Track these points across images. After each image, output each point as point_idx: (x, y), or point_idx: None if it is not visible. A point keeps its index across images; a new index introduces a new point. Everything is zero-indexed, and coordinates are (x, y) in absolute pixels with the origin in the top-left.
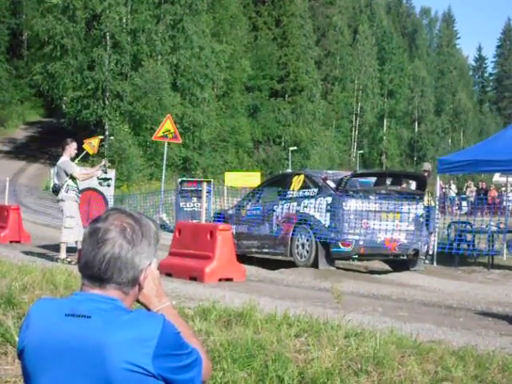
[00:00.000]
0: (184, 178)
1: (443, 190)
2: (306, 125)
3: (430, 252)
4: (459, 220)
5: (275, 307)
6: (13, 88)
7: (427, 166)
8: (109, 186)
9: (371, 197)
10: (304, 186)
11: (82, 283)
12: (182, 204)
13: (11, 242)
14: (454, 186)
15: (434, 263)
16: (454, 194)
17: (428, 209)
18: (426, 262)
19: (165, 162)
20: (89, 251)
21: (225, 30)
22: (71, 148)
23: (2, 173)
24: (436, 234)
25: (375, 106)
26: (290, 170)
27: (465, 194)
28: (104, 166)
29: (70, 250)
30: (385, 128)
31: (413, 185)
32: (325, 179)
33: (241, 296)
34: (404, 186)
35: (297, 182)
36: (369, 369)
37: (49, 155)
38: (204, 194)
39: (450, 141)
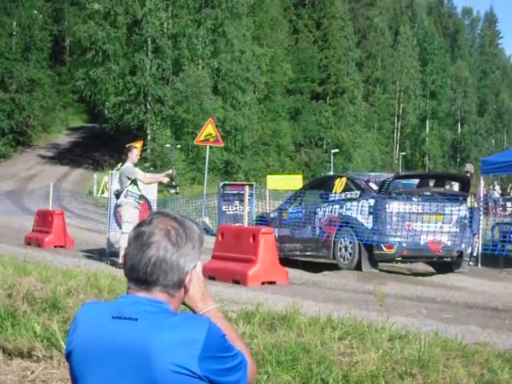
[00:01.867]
0: (226, 182)
1: (487, 190)
2: (347, 127)
3: (474, 254)
4: (503, 221)
5: (318, 310)
6: (56, 94)
7: (469, 167)
8: (177, 193)
9: (414, 199)
10: (346, 189)
11: (128, 287)
12: (224, 207)
13: (55, 246)
14: (498, 187)
15: (479, 265)
16: (497, 195)
17: (471, 210)
18: (471, 263)
19: (207, 165)
20: (134, 255)
21: (265, 33)
22: (133, 155)
23: (45, 178)
24: (480, 235)
25: (417, 107)
26: (332, 173)
27: (509, 194)
28: (171, 175)
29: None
30: (427, 129)
31: (455, 186)
32: (367, 181)
33: (284, 299)
34: (447, 187)
35: (339, 184)
36: (414, 371)
37: (92, 160)
38: (246, 198)
39: (493, 141)
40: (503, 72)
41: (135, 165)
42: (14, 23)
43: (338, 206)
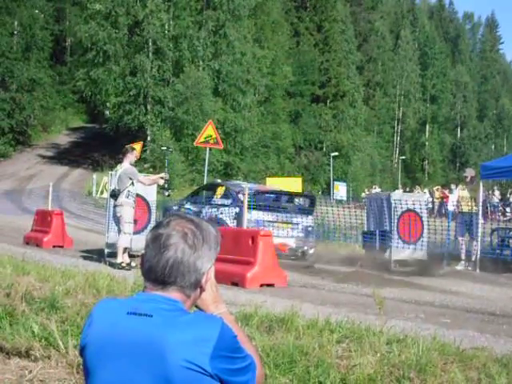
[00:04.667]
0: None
1: (486, 196)
2: (347, 130)
3: (473, 258)
4: (503, 226)
5: (317, 313)
6: (56, 94)
7: (469, 171)
8: (169, 195)
9: (270, 209)
10: (224, 196)
11: (144, 286)
12: None
13: (54, 246)
14: (497, 192)
15: (477, 269)
16: (497, 200)
17: (471, 215)
18: (469, 268)
19: (206, 167)
20: (152, 256)
21: (266, 35)
22: (132, 155)
23: (45, 178)
24: (479, 240)
25: (417, 111)
26: (218, 180)
27: (508, 199)
28: (164, 178)
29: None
30: (427, 133)
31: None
32: (238, 193)
33: (282, 301)
34: (296, 202)
35: (220, 191)
36: (411, 375)
37: (91, 161)
38: (246, 200)
39: (493, 146)
40: (504, 77)
41: (132, 166)
42: (16, 22)
43: (216, 209)
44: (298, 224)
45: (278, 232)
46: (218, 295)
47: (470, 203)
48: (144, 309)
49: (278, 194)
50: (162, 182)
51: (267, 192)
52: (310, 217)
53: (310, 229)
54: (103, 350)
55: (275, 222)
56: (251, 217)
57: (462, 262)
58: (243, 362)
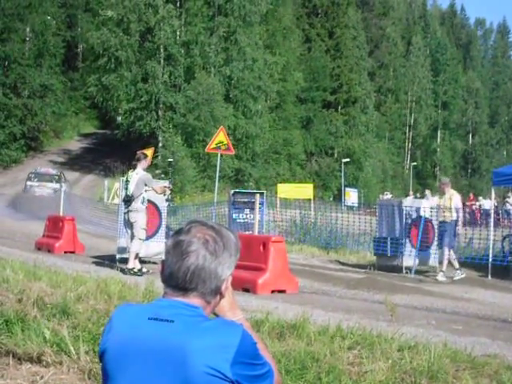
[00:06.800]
0: (237, 190)
1: (497, 202)
2: (358, 136)
3: (444, 268)
4: None
5: (328, 319)
6: (68, 100)
7: (444, 180)
8: (169, 205)
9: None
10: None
11: (164, 291)
12: (234, 215)
13: (66, 252)
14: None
15: (489, 276)
16: (510, 207)
17: (443, 223)
18: (443, 279)
19: (218, 173)
20: (173, 263)
21: (278, 41)
22: (146, 162)
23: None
24: (491, 246)
25: (429, 117)
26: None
27: None
28: (168, 187)
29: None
30: (438, 140)
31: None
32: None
33: (294, 308)
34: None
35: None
36: (422, 382)
37: (103, 166)
38: (257, 206)
39: (504, 153)
40: None
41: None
42: (28, 29)
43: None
44: (52, 187)
45: (41, 190)
46: (234, 302)
47: (448, 213)
48: (165, 314)
49: (48, 174)
50: (168, 191)
51: (42, 173)
52: (62, 183)
53: (56, 190)
54: (124, 355)
55: (38, 186)
56: (32, 184)
57: (442, 273)
58: (262, 368)
